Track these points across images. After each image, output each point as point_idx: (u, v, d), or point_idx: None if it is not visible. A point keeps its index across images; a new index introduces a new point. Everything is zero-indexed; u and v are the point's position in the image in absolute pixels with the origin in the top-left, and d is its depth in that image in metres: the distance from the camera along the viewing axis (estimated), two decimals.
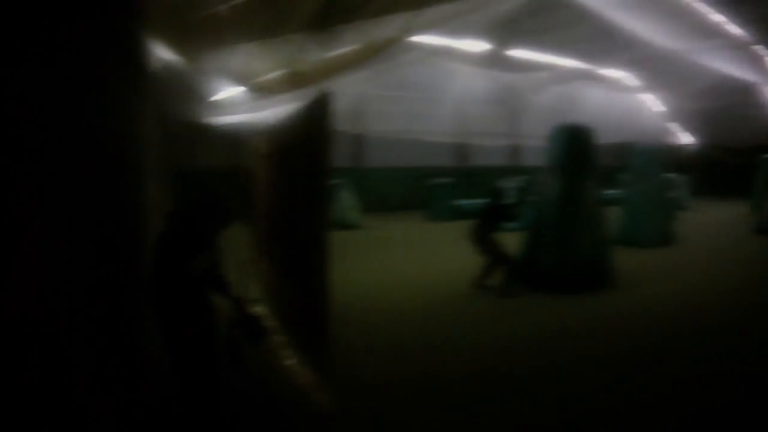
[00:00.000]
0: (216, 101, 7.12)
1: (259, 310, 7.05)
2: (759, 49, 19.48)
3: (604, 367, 6.74)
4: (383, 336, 7.97)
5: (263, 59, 6.15)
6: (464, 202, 24.32)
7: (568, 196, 10.97)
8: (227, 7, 5.38)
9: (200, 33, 5.55)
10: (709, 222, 23.49)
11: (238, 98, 6.97)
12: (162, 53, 5.64)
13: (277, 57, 6.01)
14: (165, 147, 5.76)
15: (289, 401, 5.54)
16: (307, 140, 5.66)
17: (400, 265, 13.57)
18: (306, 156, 5.65)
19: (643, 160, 16.78)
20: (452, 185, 24.87)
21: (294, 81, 6.10)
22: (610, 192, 23.36)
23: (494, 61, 19.30)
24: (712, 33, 17.26)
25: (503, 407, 5.62)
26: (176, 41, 5.66)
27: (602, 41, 24.40)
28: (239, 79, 6.55)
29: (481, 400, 5.79)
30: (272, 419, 5.21)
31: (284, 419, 5.23)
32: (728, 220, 24.06)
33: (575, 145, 11.24)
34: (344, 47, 6.44)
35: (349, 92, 10.72)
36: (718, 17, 17.55)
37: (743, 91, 23.57)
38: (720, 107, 25.52)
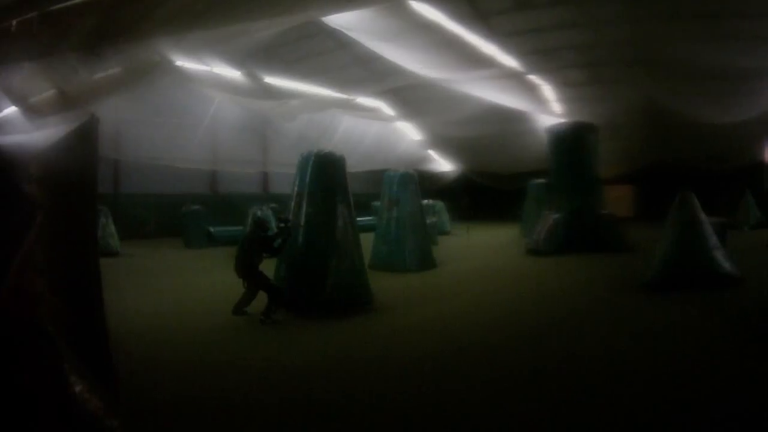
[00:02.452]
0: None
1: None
2: (533, 78, 21.29)
3: (356, 389, 7.11)
4: (157, 362, 8.00)
5: (39, 78, 6.12)
6: (217, 229, 24.80)
7: (319, 223, 11.37)
8: (12, 24, 5.36)
9: None
10: (475, 245, 25.18)
11: (14, 117, 6.81)
12: None
13: (51, 76, 6.02)
14: None
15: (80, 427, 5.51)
16: (74, 163, 5.70)
17: (165, 293, 13.58)
18: (74, 179, 5.69)
19: (397, 186, 17.28)
20: (205, 212, 25.09)
21: (64, 102, 6.12)
22: (367, 218, 24.51)
23: (248, 88, 19.62)
24: (484, 63, 18.63)
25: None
26: None
27: (360, 70, 25.83)
28: (17, 98, 6.43)
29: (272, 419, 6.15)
30: None
31: None
32: (497, 243, 25.89)
33: (324, 171, 11.69)
34: (110, 68, 6.56)
35: (105, 116, 10.61)
36: (490, 49, 19.06)
37: (514, 119, 25.65)
38: (489, 135, 27.56)
